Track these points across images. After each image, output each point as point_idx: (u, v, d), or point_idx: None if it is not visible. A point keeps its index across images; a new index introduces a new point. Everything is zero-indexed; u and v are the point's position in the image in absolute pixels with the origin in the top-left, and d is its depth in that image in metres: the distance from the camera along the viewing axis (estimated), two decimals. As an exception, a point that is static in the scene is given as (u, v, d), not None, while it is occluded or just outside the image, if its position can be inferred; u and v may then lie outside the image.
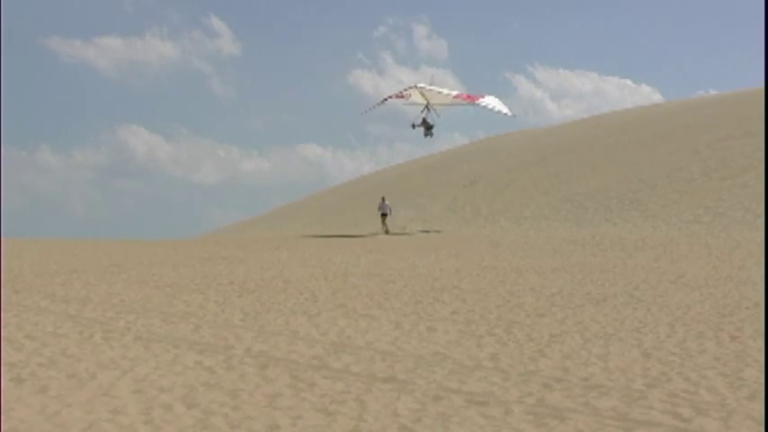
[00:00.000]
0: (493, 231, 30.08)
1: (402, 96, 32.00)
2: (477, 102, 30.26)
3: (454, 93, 31.81)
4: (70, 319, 9.55)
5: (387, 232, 32.34)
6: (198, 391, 6.09)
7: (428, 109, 32.12)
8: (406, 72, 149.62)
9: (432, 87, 30.83)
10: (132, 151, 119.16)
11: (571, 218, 30.20)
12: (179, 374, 6.67)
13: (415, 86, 30.83)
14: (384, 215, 33.49)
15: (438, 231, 31.80)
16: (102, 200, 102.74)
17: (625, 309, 10.66)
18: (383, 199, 34.15)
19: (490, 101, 30.92)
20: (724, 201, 27.15)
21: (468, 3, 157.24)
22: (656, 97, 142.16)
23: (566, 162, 41.71)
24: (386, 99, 32.07)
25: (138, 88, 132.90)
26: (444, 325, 9.35)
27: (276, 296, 11.97)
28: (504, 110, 31.07)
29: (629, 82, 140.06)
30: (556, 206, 32.78)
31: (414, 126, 32.40)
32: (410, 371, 6.88)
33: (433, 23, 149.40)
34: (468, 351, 7.77)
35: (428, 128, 32.68)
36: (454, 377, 6.64)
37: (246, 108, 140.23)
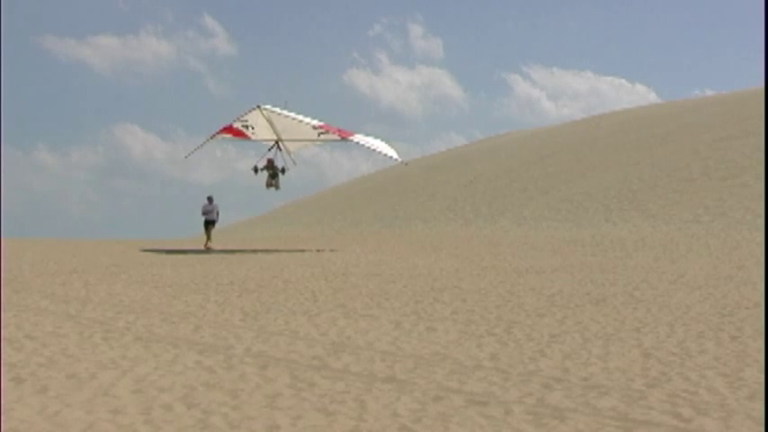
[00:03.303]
0: (493, 231, 30.08)
1: (241, 133, 23.80)
2: (350, 138, 23.29)
3: (316, 122, 23.32)
4: (70, 319, 9.55)
5: (207, 248, 23.55)
6: (198, 391, 6.09)
7: (279, 147, 24.34)
8: (401, 71, 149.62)
9: (282, 112, 22.94)
10: (129, 151, 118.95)
11: (571, 218, 30.20)
12: (179, 374, 6.67)
13: (258, 108, 22.75)
14: (210, 223, 24.31)
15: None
16: (99, 199, 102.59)
17: (625, 309, 10.66)
18: (209, 200, 24.54)
19: (373, 141, 24.08)
20: (724, 201, 27.16)
21: (463, 2, 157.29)
22: (652, 97, 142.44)
23: (566, 162, 41.71)
24: (216, 134, 24.15)
25: (133, 87, 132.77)
26: (444, 325, 9.35)
27: (276, 296, 11.97)
28: (392, 153, 24.28)
29: (624, 81, 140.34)
30: (556, 206, 32.78)
31: (256, 170, 24.02)
32: (410, 371, 6.88)
33: (428, 23, 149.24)
34: (468, 351, 7.77)
35: (274, 174, 24.19)
36: (454, 377, 6.64)
37: (242, 108, 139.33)
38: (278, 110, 22.86)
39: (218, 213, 24.51)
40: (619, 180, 34.09)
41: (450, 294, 12.25)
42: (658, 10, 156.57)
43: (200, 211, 24.67)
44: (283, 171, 24.30)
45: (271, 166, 24.27)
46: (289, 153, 24.83)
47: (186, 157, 26.65)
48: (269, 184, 24.32)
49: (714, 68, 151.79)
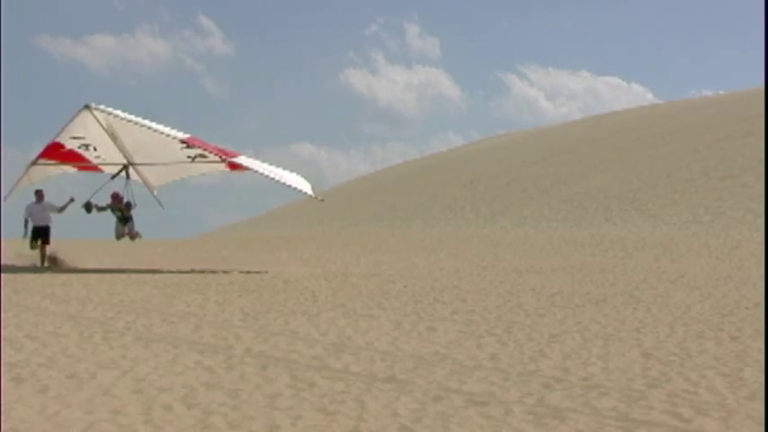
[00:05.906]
0: (493, 231, 30.07)
1: (77, 158, 16.47)
2: (235, 161, 16.09)
3: (181, 134, 15.74)
4: (70, 319, 9.55)
5: (44, 263, 16.54)
6: (198, 391, 6.08)
7: (128, 174, 16.80)
8: (398, 71, 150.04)
9: (124, 116, 15.34)
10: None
11: (571, 218, 30.19)
12: (179, 374, 6.66)
13: (88, 108, 15.36)
14: (42, 230, 16.41)
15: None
16: (98, 199, 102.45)
17: (625, 309, 10.66)
18: (38, 195, 16.42)
19: (270, 169, 16.45)
20: (724, 201, 27.17)
21: (459, 1, 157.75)
22: (649, 96, 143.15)
23: (566, 162, 41.71)
24: (37, 160, 16.63)
25: (130, 87, 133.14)
26: (444, 325, 9.35)
27: (276, 296, 11.97)
28: (303, 188, 16.73)
29: (620, 81, 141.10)
30: (556, 206, 32.78)
31: (89, 208, 16.42)
32: (410, 371, 6.88)
33: (424, 22, 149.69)
34: (468, 351, 7.77)
35: (124, 218, 16.56)
36: (454, 377, 6.64)
37: (240, 107, 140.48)
38: (119, 112, 15.30)
39: (51, 215, 16.42)
40: (619, 180, 34.09)
41: (450, 294, 12.25)
42: (654, 10, 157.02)
43: (24, 216, 16.51)
44: (129, 207, 16.54)
45: (118, 202, 16.48)
46: (152, 190, 17.55)
47: (5, 199, 17.55)
48: (120, 235, 16.65)
49: (711, 68, 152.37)
